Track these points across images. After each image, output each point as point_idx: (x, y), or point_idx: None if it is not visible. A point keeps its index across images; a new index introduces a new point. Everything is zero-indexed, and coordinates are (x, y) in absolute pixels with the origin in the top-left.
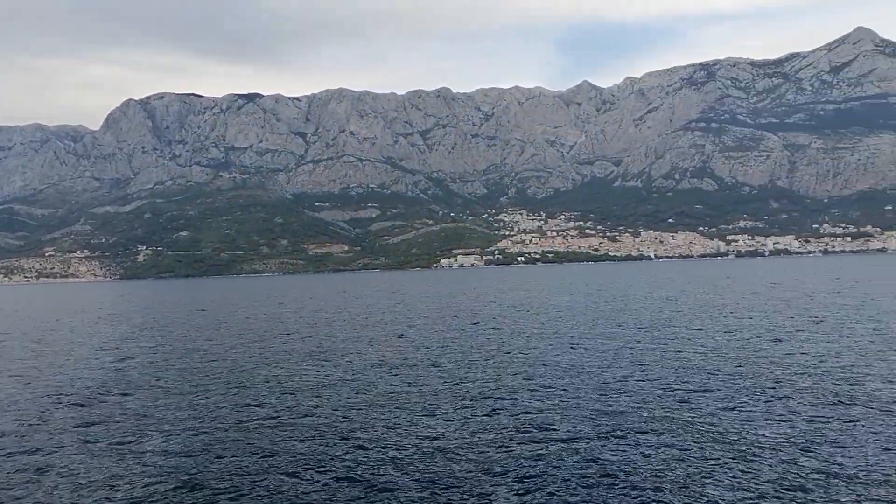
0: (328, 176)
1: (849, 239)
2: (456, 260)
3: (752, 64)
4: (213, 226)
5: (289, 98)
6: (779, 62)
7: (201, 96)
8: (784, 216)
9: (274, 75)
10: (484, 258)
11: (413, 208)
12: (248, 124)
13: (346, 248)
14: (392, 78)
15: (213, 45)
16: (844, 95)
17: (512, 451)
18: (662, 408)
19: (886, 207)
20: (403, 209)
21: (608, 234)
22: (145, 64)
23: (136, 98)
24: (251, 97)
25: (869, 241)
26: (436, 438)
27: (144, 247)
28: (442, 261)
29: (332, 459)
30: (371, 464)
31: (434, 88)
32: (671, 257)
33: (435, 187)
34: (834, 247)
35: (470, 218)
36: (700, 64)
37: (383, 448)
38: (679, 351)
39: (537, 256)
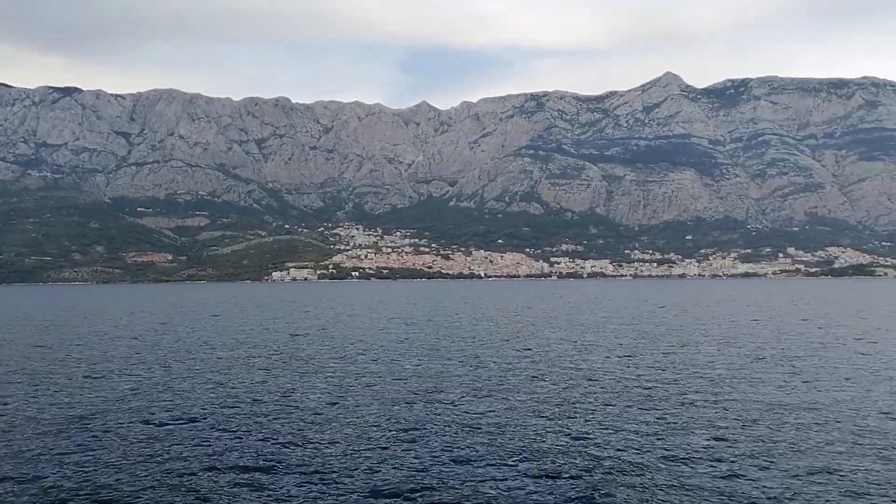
0: (153, 180)
1: (655, 265)
2: (289, 273)
3: (577, 98)
4: (18, 228)
5: (112, 95)
6: (600, 98)
7: (10, 86)
8: (601, 241)
9: (95, 69)
10: (318, 272)
11: (246, 218)
12: (63, 120)
13: (171, 257)
14: (227, 83)
15: (26, 33)
16: (654, 133)
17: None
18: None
19: (687, 237)
20: (235, 219)
21: (442, 252)
22: None
23: None
24: (68, 91)
25: (672, 267)
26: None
27: None
28: (274, 274)
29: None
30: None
31: (272, 97)
32: (500, 276)
33: (270, 198)
34: (643, 271)
35: (305, 231)
36: (531, 94)
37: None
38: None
39: (372, 272)
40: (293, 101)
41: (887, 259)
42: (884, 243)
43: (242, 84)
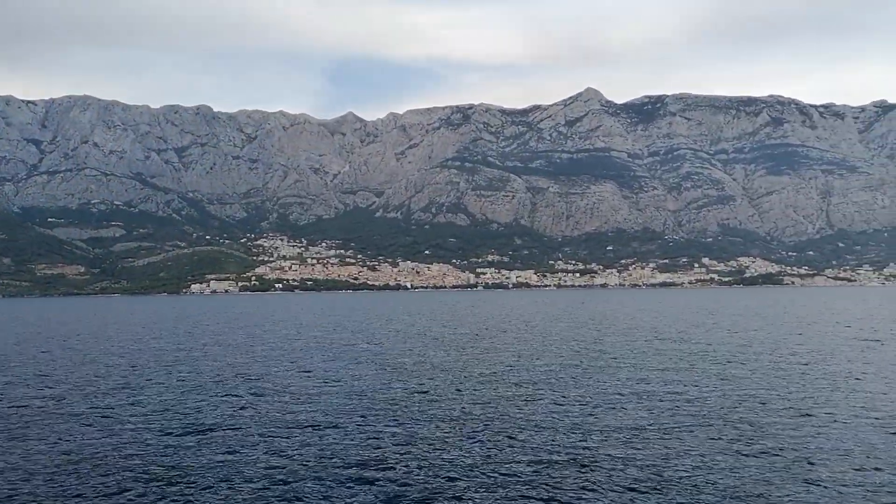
0: (66, 189)
1: (578, 275)
2: (209, 286)
3: (502, 111)
4: None
5: (22, 101)
6: (524, 112)
7: None
8: (526, 252)
9: (6, 74)
10: (239, 284)
11: (164, 229)
12: None
13: (83, 269)
14: (146, 90)
15: None
16: (577, 147)
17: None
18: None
19: (608, 248)
20: (153, 230)
21: (368, 263)
22: None
23: None
24: None
25: (594, 276)
26: None
27: None
28: (192, 286)
29: None
30: None
31: (193, 105)
32: (426, 287)
33: (190, 208)
34: (566, 281)
35: (227, 242)
36: (457, 107)
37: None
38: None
39: (296, 284)
40: (215, 109)
41: (793, 269)
42: (790, 253)
43: (162, 92)
